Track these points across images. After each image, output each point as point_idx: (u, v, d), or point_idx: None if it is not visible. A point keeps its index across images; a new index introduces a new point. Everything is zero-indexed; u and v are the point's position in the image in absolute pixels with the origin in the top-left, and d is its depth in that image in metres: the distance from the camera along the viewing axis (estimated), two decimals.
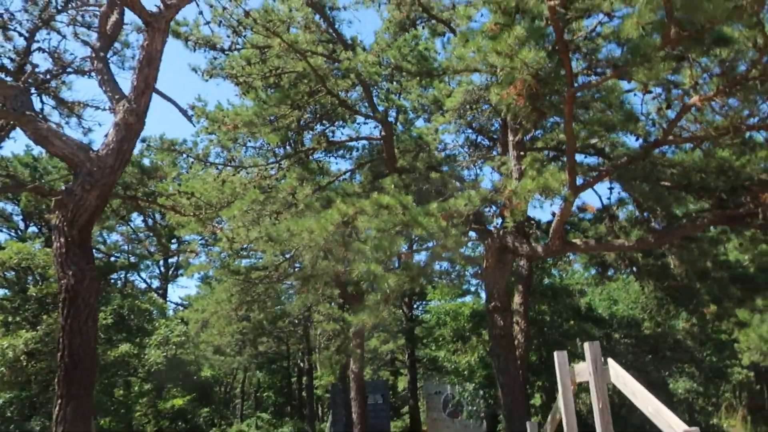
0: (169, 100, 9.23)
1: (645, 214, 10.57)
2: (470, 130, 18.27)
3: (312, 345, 30.02)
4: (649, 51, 6.26)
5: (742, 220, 8.11)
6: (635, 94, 8.41)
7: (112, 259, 30.12)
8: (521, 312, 15.36)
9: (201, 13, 12.26)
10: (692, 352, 18.36)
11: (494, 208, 13.16)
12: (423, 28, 13.32)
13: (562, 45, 7.54)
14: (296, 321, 27.12)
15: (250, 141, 15.58)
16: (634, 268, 14.08)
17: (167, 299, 32.13)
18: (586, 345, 5.18)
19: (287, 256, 15.79)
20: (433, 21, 12.59)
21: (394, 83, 16.50)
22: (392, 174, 12.12)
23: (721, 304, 12.52)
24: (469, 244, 18.02)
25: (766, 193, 7.26)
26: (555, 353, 5.99)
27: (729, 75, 6.45)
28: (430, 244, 13.96)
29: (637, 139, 9.25)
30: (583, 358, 5.23)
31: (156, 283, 33.25)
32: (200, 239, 24.26)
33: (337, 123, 16.22)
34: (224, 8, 12.07)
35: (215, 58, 13.23)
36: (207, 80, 13.04)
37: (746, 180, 7.70)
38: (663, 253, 13.10)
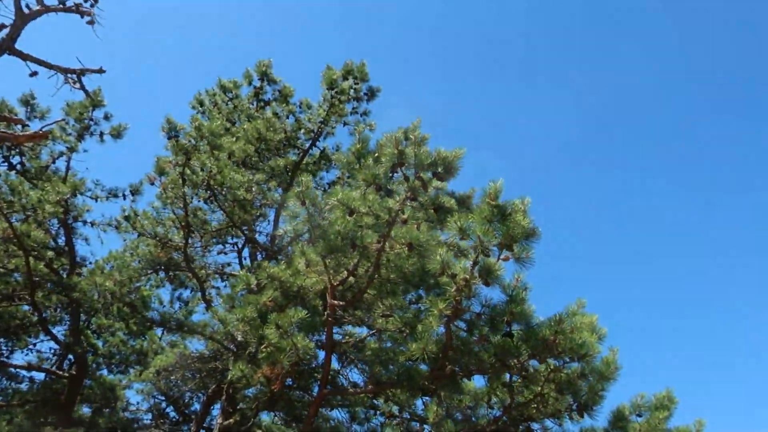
0: None
1: None
2: (162, 398, 16.37)
3: None
4: (416, 377, 6.59)
5: None
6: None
7: None
8: None
9: None
10: None
11: None
12: (173, 276, 12.58)
13: (330, 344, 7.62)
14: None
15: None
16: None
17: None
18: None
19: None
20: (188, 274, 12.01)
21: (105, 319, 14.63)
22: (70, 426, 9.68)
23: None
24: None
25: None
26: None
27: (469, 423, 7.01)
28: None
29: None
30: None
31: None
32: None
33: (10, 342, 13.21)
34: None
35: None
36: None
37: None
38: None
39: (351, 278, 7.37)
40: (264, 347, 7.38)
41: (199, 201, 11.30)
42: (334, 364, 8.35)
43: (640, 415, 7.39)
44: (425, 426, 7.57)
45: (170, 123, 9.24)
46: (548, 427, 6.71)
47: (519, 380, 6.30)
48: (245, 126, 11.25)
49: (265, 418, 13.21)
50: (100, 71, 9.37)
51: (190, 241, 12.02)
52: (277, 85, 12.39)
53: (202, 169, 9.89)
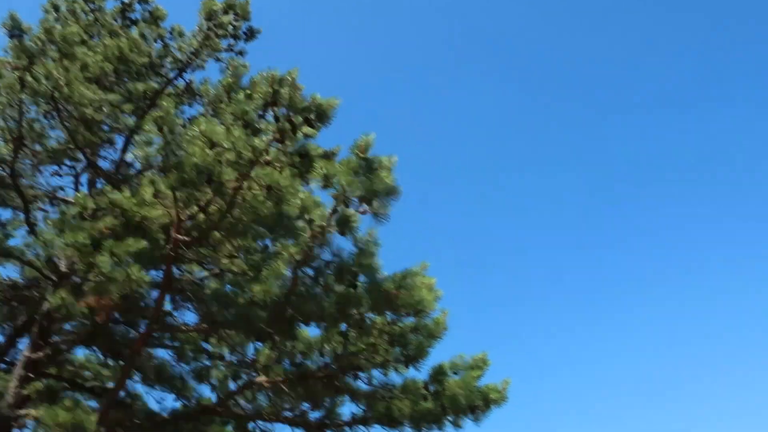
0: None
1: None
2: None
3: None
4: (255, 320, 6.60)
5: None
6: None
7: None
8: None
9: None
10: None
11: None
12: None
13: (167, 280, 7.32)
14: None
15: None
16: None
17: None
18: None
19: None
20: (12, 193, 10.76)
21: None
22: None
23: None
24: None
25: None
26: None
27: (300, 368, 7.17)
28: None
29: (176, 399, 8.88)
30: None
31: None
32: None
33: None
34: None
35: None
36: None
37: None
38: None
39: (201, 215, 7.13)
40: (93, 276, 6.90)
41: (38, 114, 10.18)
42: (168, 304, 8.06)
43: (456, 373, 8.03)
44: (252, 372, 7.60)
45: (14, 20, 8.16)
46: (374, 376, 7.08)
47: (355, 331, 6.57)
48: (106, 41, 10.27)
49: (80, 355, 12.33)
50: None
51: (20, 157, 10.77)
52: (148, 5, 11.45)
53: (47, 78, 8.89)
